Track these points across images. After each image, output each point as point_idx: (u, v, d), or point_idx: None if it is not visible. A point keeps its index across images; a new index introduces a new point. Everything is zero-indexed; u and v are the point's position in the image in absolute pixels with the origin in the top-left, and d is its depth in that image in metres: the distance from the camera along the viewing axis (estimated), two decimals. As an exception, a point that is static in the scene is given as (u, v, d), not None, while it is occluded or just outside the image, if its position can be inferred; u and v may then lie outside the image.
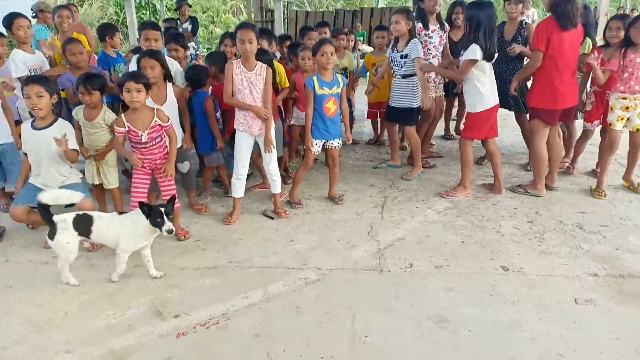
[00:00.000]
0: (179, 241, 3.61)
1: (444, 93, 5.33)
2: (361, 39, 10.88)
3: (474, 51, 3.96)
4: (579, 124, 4.91)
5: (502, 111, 5.10)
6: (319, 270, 3.21)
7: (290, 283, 3.07)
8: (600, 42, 5.02)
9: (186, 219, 3.96)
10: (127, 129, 3.35)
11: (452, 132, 6.33)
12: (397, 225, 3.86)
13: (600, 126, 4.58)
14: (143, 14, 15.76)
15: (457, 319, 2.70)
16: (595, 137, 4.74)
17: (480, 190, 4.52)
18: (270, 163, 3.94)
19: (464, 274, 3.15)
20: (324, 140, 4.13)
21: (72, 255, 3.00)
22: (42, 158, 3.39)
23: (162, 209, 2.90)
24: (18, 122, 4.09)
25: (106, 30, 4.98)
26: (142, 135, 3.36)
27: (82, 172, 3.70)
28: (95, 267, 3.30)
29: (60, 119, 3.45)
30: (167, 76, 3.80)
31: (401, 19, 4.50)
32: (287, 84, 4.56)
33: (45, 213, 2.94)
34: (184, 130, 3.97)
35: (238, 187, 3.93)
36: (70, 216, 2.98)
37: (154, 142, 3.43)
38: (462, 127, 4.82)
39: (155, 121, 3.37)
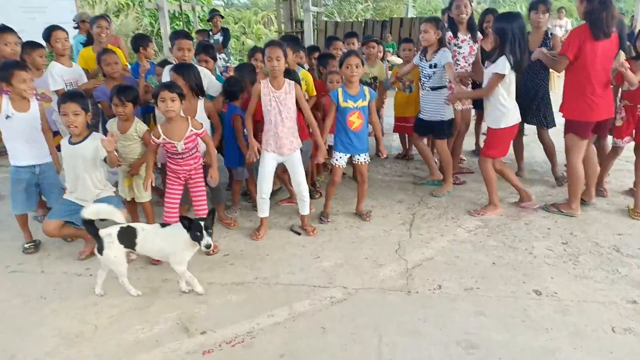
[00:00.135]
0: (207, 255, 3.64)
1: (471, 106, 5.24)
2: (390, 50, 10.83)
3: (503, 65, 3.87)
4: (608, 140, 4.73)
5: (534, 127, 5.03)
6: (345, 289, 3.18)
7: (316, 302, 3.05)
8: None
9: (215, 233, 3.96)
10: (162, 139, 3.39)
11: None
12: (425, 244, 3.80)
13: (631, 142, 4.40)
14: (177, 24, 16.07)
15: (487, 344, 2.63)
16: (631, 154, 4.57)
17: (512, 208, 4.42)
18: (301, 184, 3.93)
19: (495, 297, 3.07)
20: (349, 155, 4.11)
21: (122, 267, 3.05)
22: (78, 172, 3.47)
23: (202, 223, 2.93)
24: (56, 133, 4.21)
25: (140, 41, 5.06)
26: (178, 145, 3.40)
27: (115, 184, 3.78)
28: (125, 280, 3.35)
29: (94, 132, 3.53)
30: (200, 91, 3.84)
31: (430, 28, 4.45)
32: (314, 93, 4.57)
33: (92, 228, 3.01)
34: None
35: (263, 207, 3.94)
36: (114, 229, 3.03)
37: (190, 153, 3.48)
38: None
39: (191, 130, 3.41)
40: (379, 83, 5.60)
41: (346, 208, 4.50)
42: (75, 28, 7.46)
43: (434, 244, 3.81)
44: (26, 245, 3.77)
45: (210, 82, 4.22)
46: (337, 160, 4.10)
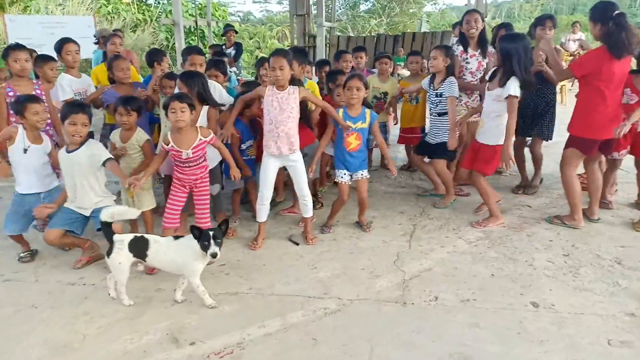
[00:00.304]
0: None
1: (479, 117, 5.19)
2: (401, 64, 10.84)
3: (515, 87, 3.85)
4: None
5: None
6: (340, 300, 3.15)
7: (309, 313, 3.02)
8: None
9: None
10: (171, 146, 3.43)
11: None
12: (424, 255, 3.75)
13: (629, 155, 4.36)
14: (192, 39, 16.33)
15: (481, 357, 2.58)
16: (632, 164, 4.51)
17: (515, 220, 4.36)
18: (303, 188, 3.94)
19: (491, 309, 3.02)
20: (349, 172, 4.11)
21: (123, 276, 3.05)
22: (75, 180, 3.51)
23: (211, 232, 2.92)
24: None
25: (154, 56, 5.09)
26: (184, 153, 3.44)
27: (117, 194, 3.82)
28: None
29: (90, 140, 3.56)
30: (205, 99, 3.86)
31: (439, 54, 4.44)
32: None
33: (108, 231, 3.06)
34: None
35: (262, 211, 3.93)
36: (128, 237, 3.07)
37: (197, 162, 3.52)
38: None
39: (200, 139, 3.45)
40: (390, 98, 5.60)
41: (347, 218, 4.48)
42: (95, 44, 7.71)
43: (433, 255, 3.76)
44: (22, 254, 3.77)
45: (221, 95, 4.26)
46: (341, 177, 4.10)
